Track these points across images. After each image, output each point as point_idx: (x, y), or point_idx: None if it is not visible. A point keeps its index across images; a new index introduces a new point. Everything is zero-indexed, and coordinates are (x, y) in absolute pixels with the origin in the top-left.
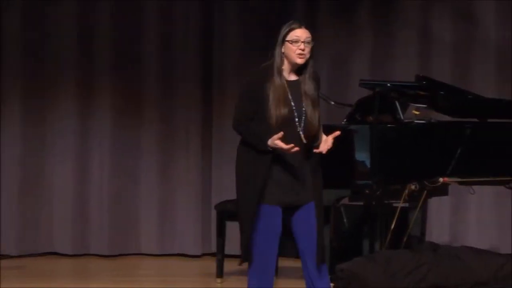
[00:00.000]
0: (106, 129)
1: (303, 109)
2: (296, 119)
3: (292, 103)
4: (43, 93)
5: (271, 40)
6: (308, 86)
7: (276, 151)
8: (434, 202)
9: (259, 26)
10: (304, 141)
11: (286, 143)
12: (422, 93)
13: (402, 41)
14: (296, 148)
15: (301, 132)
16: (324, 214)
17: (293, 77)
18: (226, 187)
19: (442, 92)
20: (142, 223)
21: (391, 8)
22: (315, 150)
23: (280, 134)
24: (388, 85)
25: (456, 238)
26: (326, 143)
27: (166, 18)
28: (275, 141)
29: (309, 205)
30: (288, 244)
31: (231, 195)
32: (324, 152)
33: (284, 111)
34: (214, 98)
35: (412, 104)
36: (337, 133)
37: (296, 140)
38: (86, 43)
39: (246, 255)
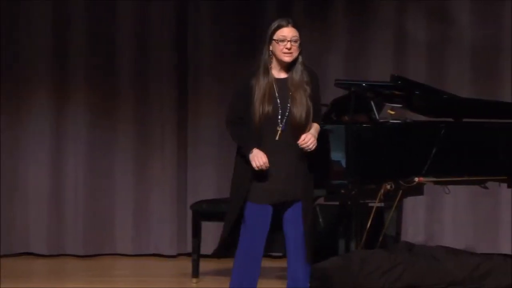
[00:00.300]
0: (81, 129)
1: (288, 105)
2: (279, 117)
3: (278, 100)
4: (18, 94)
5: (245, 40)
6: (296, 84)
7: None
8: (410, 202)
9: (233, 27)
10: (277, 138)
11: (267, 139)
12: (397, 93)
13: (377, 41)
14: (263, 166)
15: (279, 129)
16: None
17: (282, 75)
18: (201, 187)
19: (417, 92)
20: (118, 224)
21: (365, 8)
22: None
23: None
24: (364, 85)
25: (431, 238)
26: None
27: (141, 18)
28: (258, 157)
29: (299, 203)
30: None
31: (207, 195)
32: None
33: (268, 108)
34: (189, 98)
35: (388, 104)
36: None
37: (276, 136)
38: (60, 44)
39: (219, 250)
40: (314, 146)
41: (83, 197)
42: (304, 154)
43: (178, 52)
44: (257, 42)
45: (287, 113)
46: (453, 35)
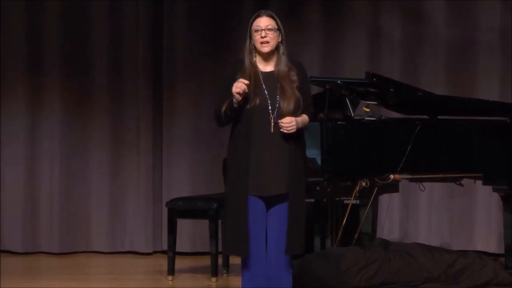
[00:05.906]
0: (56, 128)
1: (277, 97)
2: (269, 108)
3: (266, 92)
4: None
5: (221, 39)
6: (282, 75)
7: (250, 132)
8: (385, 199)
9: (209, 26)
10: (272, 130)
11: (260, 131)
12: (372, 90)
13: (352, 39)
14: (242, 87)
15: (272, 121)
16: None
17: (269, 68)
18: (176, 185)
19: (392, 89)
20: (93, 221)
21: (340, 7)
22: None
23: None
24: (339, 82)
25: (407, 235)
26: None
27: (115, 16)
28: (236, 85)
29: (284, 197)
30: None
31: (182, 193)
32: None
33: (255, 101)
34: (164, 97)
35: (363, 101)
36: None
37: (270, 128)
38: (35, 43)
39: (235, 249)
40: (292, 131)
41: (59, 195)
42: (292, 143)
43: (153, 51)
44: (233, 42)
45: (277, 105)
46: (427, 33)
